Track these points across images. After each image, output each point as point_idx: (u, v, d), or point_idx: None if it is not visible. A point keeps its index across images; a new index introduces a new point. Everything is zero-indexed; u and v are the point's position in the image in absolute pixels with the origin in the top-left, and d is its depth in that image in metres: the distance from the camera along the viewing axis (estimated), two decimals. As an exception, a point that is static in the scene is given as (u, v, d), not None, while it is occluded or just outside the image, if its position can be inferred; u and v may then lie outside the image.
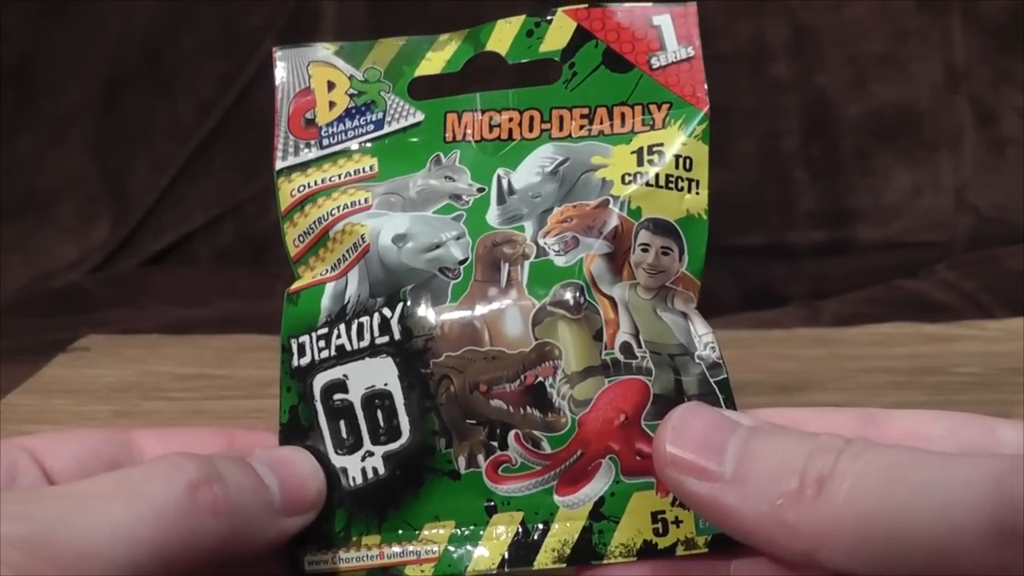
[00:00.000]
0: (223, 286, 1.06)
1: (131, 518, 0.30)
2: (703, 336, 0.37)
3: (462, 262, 0.37)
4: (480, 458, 0.36)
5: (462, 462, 0.36)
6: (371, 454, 0.36)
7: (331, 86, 0.41)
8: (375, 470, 0.36)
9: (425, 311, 0.37)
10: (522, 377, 0.36)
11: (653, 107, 0.40)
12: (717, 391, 0.37)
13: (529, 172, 0.39)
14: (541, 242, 0.37)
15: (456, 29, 0.42)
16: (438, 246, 0.38)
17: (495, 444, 0.36)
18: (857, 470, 0.29)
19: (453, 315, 0.37)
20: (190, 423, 0.57)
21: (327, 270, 0.39)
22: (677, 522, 0.35)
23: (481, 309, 0.37)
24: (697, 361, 0.37)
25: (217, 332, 0.77)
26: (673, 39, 0.40)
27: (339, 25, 1.14)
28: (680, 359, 0.37)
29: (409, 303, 0.37)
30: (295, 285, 0.39)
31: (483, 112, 0.40)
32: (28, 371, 0.66)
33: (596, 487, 0.36)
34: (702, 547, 0.35)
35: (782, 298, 1.02)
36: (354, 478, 0.36)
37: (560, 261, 0.37)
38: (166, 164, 1.14)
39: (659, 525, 0.35)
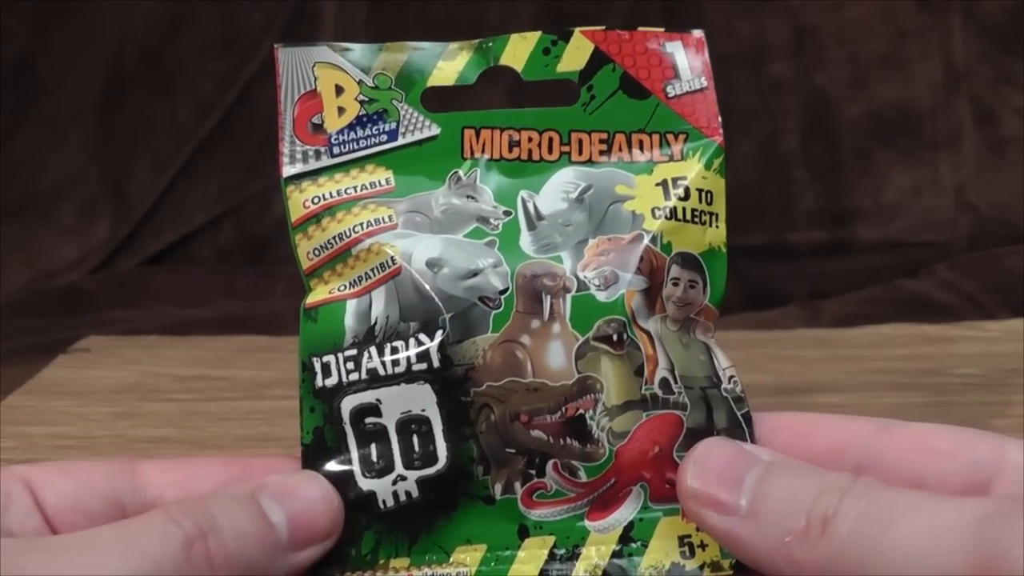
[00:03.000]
0: (223, 286, 1.06)
1: (129, 574, 0.30)
2: (726, 369, 0.38)
3: (502, 292, 0.37)
4: (517, 485, 0.36)
5: (498, 488, 0.36)
6: (403, 478, 0.36)
7: (339, 90, 0.39)
8: (408, 494, 0.36)
9: (467, 340, 0.37)
10: (563, 409, 0.36)
11: (670, 136, 0.40)
12: (743, 424, 0.37)
13: (554, 197, 0.39)
14: (581, 275, 0.37)
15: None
16: (475, 273, 0.37)
17: (533, 472, 0.36)
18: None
19: (496, 346, 0.37)
20: (190, 424, 0.58)
21: (345, 286, 0.38)
22: (703, 546, 0.36)
23: (524, 341, 0.37)
24: (724, 395, 0.37)
25: (217, 332, 0.77)
26: (687, 68, 0.40)
27: (339, 25, 1.14)
28: (710, 392, 0.37)
29: (449, 331, 0.37)
30: (311, 299, 0.38)
31: (502, 130, 0.40)
32: (28, 371, 0.66)
33: (626, 512, 0.36)
34: (727, 570, 0.36)
35: (782, 298, 1.02)
36: (384, 501, 0.36)
37: (601, 296, 0.37)
38: (166, 164, 1.14)
39: (686, 548, 0.36)
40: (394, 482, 0.36)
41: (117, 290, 1.07)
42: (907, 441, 0.35)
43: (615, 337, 0.37)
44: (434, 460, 0.36)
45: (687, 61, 0.40)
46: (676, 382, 0.37)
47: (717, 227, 0.39)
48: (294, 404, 0.37)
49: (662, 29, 0.40)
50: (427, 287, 0.37)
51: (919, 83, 1.11)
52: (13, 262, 1.12)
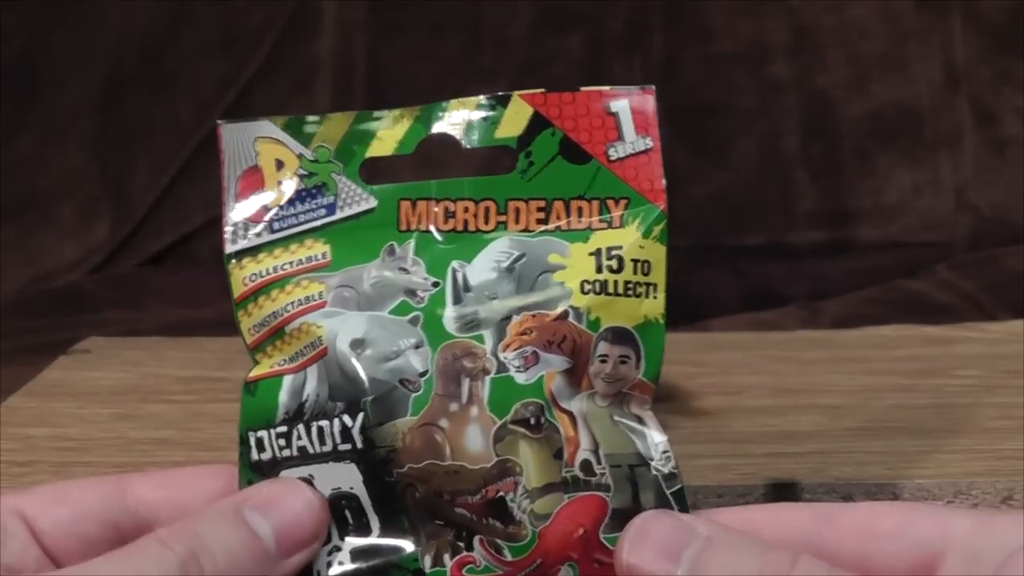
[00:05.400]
0: (223, 286, 1.05)
1: None
2: (659, 444, 0.37)
3: (422, 374, 0.37)
4: (446, 557, 0.36)
5: (428, 561, 0.36)
6: (338, 548, 0.37)
7: (280, 165, 0.40)
8: (340, 564, 0.36)
9: (387, 423, 0.37)
10: (483, 491, 0.36)
11: (611, 202, 0.39)
12: (673, 503, 0.37)
13: (484, 267, 0.38)
14: (501, 356, 0.37)
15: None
16: (397, 355, 0.37)
17: (461, 545, 0.37)
18: None
19: (415, 429, 0.37)
20: (191, 426, 0.57)
21: (284, 360, 0.38)
22: None
23: (442, 424, 0.37)
24: (654, 472, 0.37)
25: (217, 333, 0.77)
26: (631, 129, 0.39)
27: (339, 25, 1.14)
28: (638, 470, 0.37)
29: (370, 414, 0.37)
30: (253, 373, 0.39)
31: (438, 201, 0.39)
32: (28, 372, 0.66)
33: None
34: None
35: (782, 298, 1.02)
36: (319, 572, 0.36)
37: (521, 378, 0.37)
38: (166, 164, 1.14)
39: None
40: (330, 552, 0.36)
41: (117, 290, 1.07)
42: (848, 527, 0.34)
43: (532, 421, 0.37)
44: (368, 531, 0.37)
45: (632, 120, 0.39)
46: (599, 463, 0.37)
47: (655, 298, 0.38)
48: (294, 406, 0.37)
49: (608, 88, 0.39)
50: (351, 368, 0.37)
51: (919, 83, 1.12)
52: (13, 262, 1.12)
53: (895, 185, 1.11)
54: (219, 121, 0.40)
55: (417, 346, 0.37)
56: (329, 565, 0.36)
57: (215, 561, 0.33)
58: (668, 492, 0.37)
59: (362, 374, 0.37)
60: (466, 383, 0.37)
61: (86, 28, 1.16)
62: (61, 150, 1.16)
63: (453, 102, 0.39)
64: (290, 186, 0.39)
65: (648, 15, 1.12)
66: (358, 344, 0.38)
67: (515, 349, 0.37)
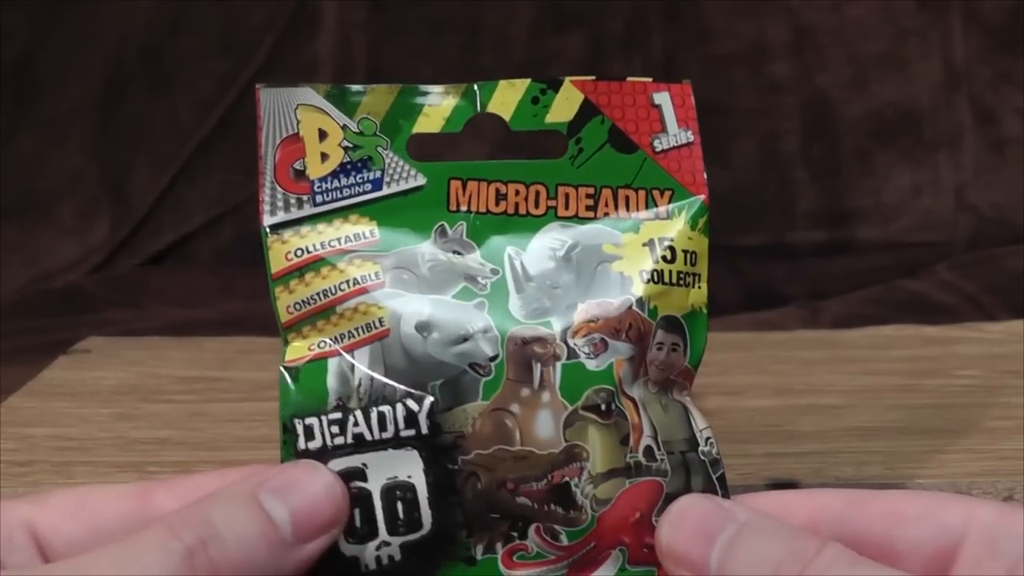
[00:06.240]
0: (223, 286, 1.06)
1: None
2: (703, 431, 0.38)
3: (493, 359, 0.37)
4: (498, 546, 0.36)
5: (479, 550, 0.36)
6: (387, 544, 0.36)
7: (323, 135, 0.38)
8: (391, 558, 0.36)
9: (456, 408, 0.36)
10: (549, 477, 0.37)
11: (656, 193, 0.39)
12: (718, 488, 0.37)
13: (541, 255, 0.38)
14: (571, 343, 0.37)
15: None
16: (466, 339, 0.37)
17: (515, 535, 0.36)
18: None
19: (486, 414, 0.37)
20: (191, 426, 0.58)
21: (326, 342, 0.37)
22: None
23: (514, 409, 0.37)
24: (701, 458, 0.38)
25: (217, 332, 0.77)
26: (674, 121, 0.39)
27: (339, 25, 1.14)
28: (689, 455, 0.38)
29: (439, 399, 0.36)
30: (291, 356, 0.37)
31: (489, 182, 0.39)
32: (28, 372, 0.66)
33: (603, 573, 0.37)
34: None
35: (782, 298, 1.02)
36: (366, 565, 0.36)
37: (591, 364, 0.37)
38: (166, 164, 1.14)
39: None
40: (377, 548, 0.36)
41: (117, 290, 1.07)
42: (877, 511, 0.35)
43: (603, 407, 0.37)
44: (419, 526, 0.36)
45: (674, 114, 0.39)
46: (659, 449, 0.37)
47: (699, 288, 0.39)
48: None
49: (650, 79, 0.40)
50: (416, 352, 0.37)
51: (919, 83, 1.12)
52: (13, 262, 1.12)
53: (895, 185, 1.11)
54: (258, 85, 0.39)
55: (485, 331, 0.37)
56: (378, 560, 0.36)
57: (226, 550, 0.32)
58: (714, 477, 0.37)
59: (430, 357, 0.37)
60: (537, 368, 0.37)
61: (86, 28, 1.16)
62: (61, 150, 1.16)
63: (502, 83, 0.39)
64: (334, 158, 0.38)
65: (648, 15, 1.12)
66: (424, 327, 0.37)
67: (584, 336, 0.38)
